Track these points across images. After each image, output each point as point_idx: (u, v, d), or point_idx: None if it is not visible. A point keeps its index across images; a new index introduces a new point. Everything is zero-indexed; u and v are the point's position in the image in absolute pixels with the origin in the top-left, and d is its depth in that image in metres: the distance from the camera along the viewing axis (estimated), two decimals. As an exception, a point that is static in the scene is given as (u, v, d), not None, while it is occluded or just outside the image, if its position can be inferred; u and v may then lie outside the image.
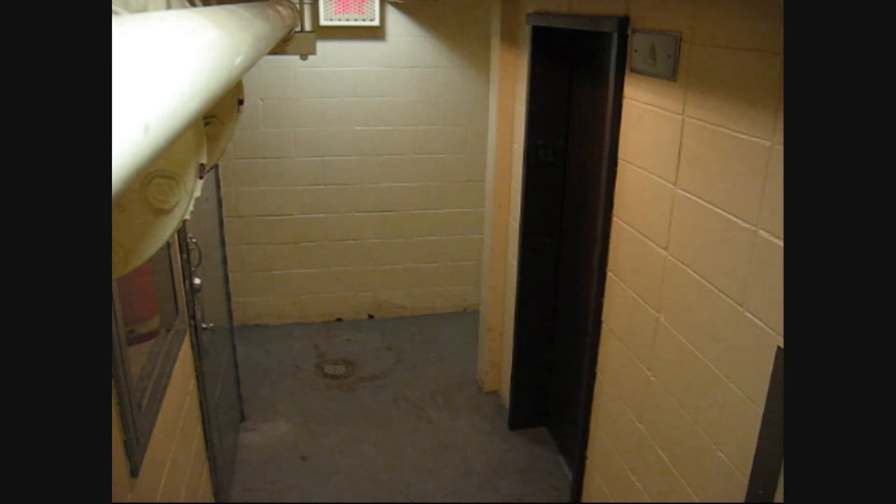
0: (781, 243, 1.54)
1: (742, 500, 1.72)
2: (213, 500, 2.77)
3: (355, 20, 4.29)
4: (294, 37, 2.77)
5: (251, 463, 3.45)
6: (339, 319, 5.02)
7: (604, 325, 2.63)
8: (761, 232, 1.62)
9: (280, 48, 2.71)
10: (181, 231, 2.43)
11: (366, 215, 4.80)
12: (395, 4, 4.36)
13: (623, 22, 2.24)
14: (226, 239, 3.55)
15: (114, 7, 0.71)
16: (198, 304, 2.54)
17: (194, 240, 2.57)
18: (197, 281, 2.54)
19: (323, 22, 4.23)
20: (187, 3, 1.05)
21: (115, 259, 0.93)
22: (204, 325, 2.66)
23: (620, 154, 2.39)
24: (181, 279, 2.40)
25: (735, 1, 1.69)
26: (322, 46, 4.17)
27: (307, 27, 2.94)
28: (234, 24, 0.86)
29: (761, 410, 1.63)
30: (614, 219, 2.47)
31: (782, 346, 1.55)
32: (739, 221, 1.70)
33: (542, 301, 3.55)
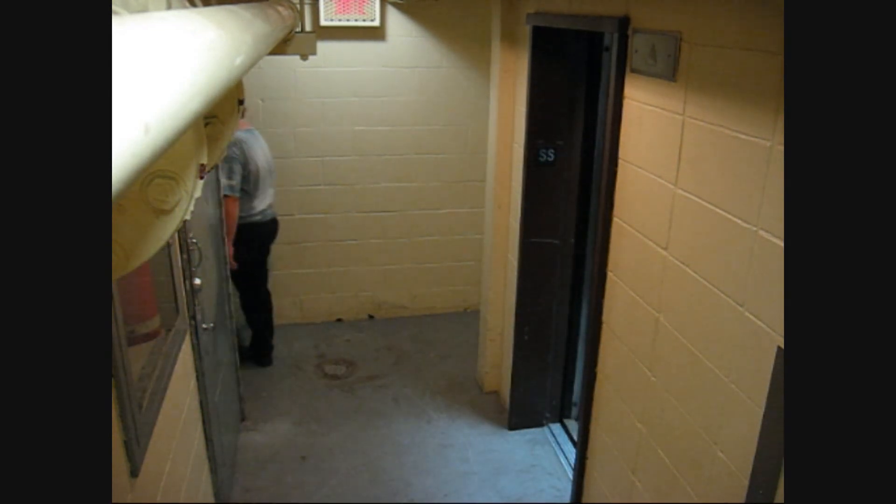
0: (781, 243, 1.54)
1: (742, 500, 1.72)
2: (213, 500, 2.77)
3: (355, 20, 4.29)
4: (294, 37, 2.77)
5: (251, 463, 3.45)
6: (339, 319, 5.02)
7: (604, 325, 2.63)
8: (761, 232, 1.62)
9: (280, 48, 2.72)
10: (181, 231, 2.42)
11: (366, 215, 4.80)
12: (395, 4, 4.36)
13: (623, 22, 2.24)
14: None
15: (114, 7, 0.71)
16: (198, 304, 2.54)
17: (194, 240, 2.57)
18: (197, 281, 2.54)
19: (323, 22, 4.23)
20: (187, 3, 1.05)
21: (115, 259, 0.93)
22: (204, 325, 2.66)
23: (620, 154, 2.39)
24: (181, 279, 2.40)
25: (735, 1, 1.69)
26: (322, 46, 4.16)
27: (307, 27, 2.95)
28: (234, 25, 0.86)
29: (761, 410, 1.63)
30: (614, 219, 2.47)
31: (782, 346, 1.55)
32: (739, 221, 1.70)
33: (542, 301, 3.55)
